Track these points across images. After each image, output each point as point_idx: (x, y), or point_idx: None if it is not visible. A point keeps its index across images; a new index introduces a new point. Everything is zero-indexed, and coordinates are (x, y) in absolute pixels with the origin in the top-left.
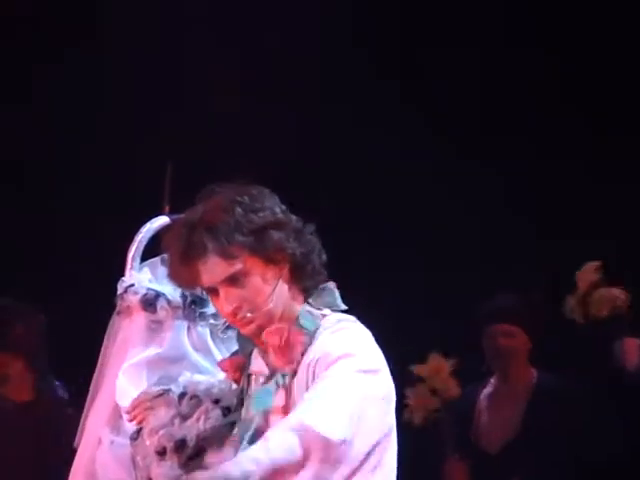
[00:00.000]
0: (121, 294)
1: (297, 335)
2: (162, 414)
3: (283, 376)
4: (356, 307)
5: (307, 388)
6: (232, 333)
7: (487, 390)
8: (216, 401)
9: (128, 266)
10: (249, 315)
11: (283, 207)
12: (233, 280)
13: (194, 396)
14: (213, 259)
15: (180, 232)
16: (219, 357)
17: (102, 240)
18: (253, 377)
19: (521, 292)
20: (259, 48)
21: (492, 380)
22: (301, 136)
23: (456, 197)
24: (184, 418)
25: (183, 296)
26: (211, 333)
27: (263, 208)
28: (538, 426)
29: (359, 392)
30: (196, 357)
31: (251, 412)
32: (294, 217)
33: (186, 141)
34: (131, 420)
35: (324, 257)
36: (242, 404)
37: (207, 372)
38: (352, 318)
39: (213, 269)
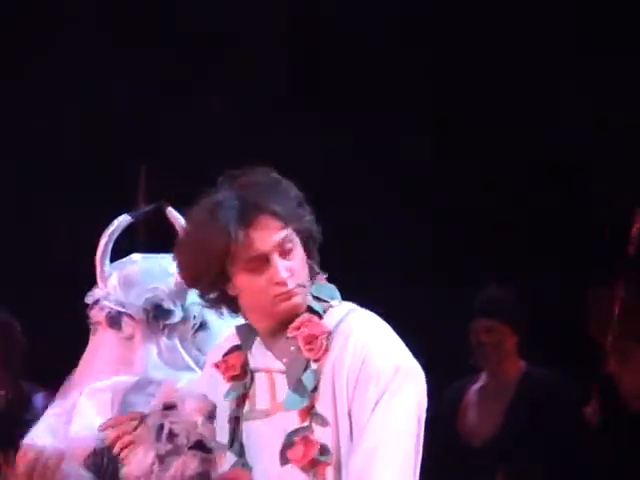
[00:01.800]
0: (89, 310)
1: (318, 325)
2: (141, 457)
3: (313, 372)
4: None
5: (347, 391)
6: (204, 334)
7: (477, 385)
8: (195, 445)
9: (98, 269)
10: (298, 284)
11: None
12: (285, 248)
13: (173, 435)
14: (272, 220)
15: (230, 204)
16: (191, 363)
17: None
18: (257, 374)
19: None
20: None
21: (483, 375)
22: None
23: None
24: (162, 461)
25: (145, 311)
26: (181, 338)
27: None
28: (523, 419)
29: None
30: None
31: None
32: None
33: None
34: (116, 451)
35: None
36: (244, 401)
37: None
38: (358, 307)
39: (270, 229)
